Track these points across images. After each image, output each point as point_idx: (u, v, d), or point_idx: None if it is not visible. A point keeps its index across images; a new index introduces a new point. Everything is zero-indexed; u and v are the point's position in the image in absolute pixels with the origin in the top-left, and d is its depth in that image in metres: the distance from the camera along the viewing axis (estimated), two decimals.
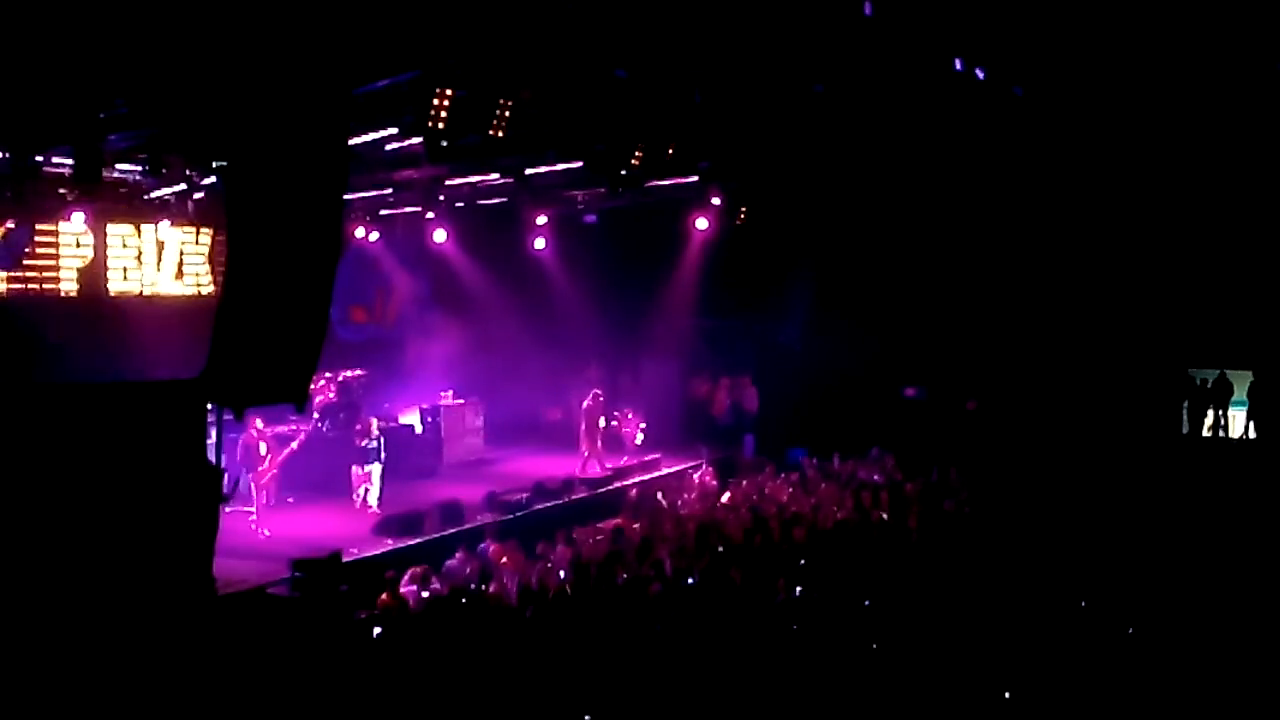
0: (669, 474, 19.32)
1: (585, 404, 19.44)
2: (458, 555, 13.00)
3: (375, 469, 16.44)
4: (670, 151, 15.14)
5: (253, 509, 15.15)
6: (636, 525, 14.83)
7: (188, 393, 11.36)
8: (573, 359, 23.03)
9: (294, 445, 16.03)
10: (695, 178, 17.75)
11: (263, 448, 15.41)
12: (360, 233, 19.67)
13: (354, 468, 16.45)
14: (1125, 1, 13.47)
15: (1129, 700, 8.38)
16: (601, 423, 19.49)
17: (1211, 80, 15.99)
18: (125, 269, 17.31)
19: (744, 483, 17.91)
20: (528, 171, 16.31)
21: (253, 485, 15.13)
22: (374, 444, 16.49)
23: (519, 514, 15.95)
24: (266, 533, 14.74)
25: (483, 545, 13.45)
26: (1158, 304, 21.65)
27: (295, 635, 10.75)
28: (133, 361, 15.96)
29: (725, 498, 16.84)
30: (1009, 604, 10.56)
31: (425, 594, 11.56)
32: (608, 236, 21.78)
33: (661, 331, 22.74)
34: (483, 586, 11.78)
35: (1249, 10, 13.81)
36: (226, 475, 14.76)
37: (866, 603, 10.65)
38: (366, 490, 16.37)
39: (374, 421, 16.90)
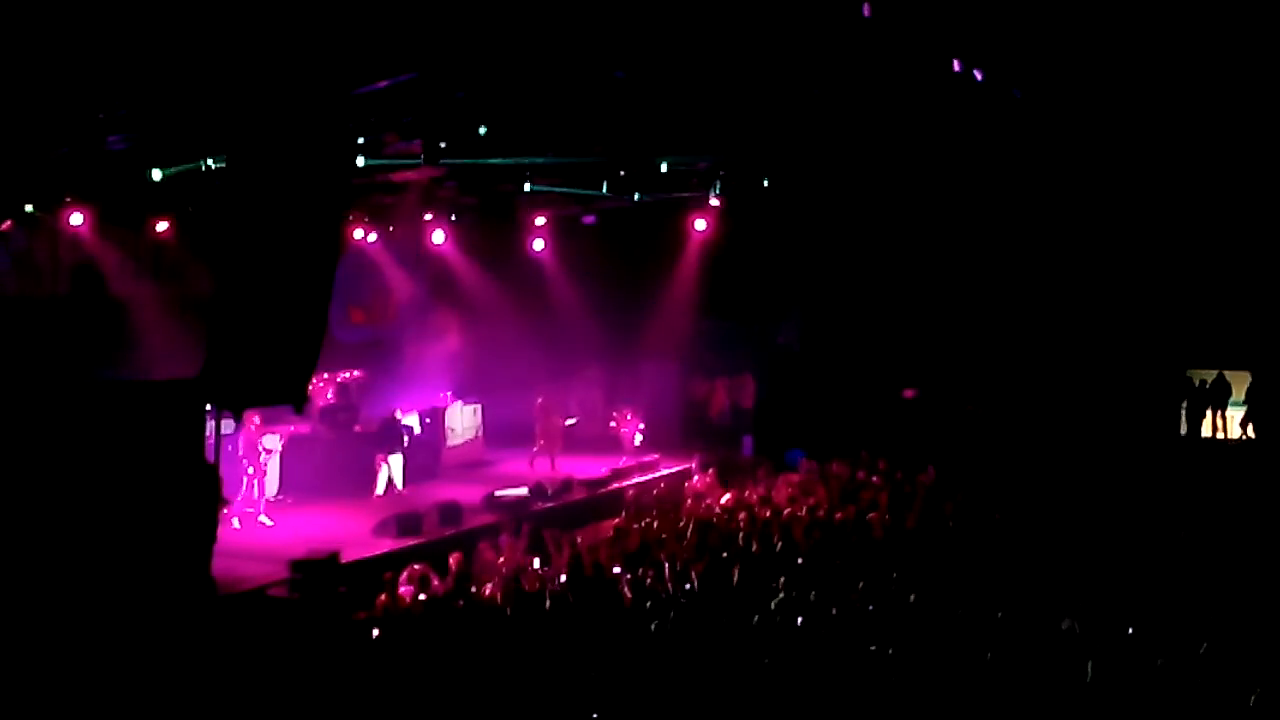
0: (668, 475, 19.33)
1: (539, 401, 19.90)
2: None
3: (397, 458, 17.32)
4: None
5: (230, 504, 15.25)
6: (635, 526, 14.83)
7: (186, 393, 11.38)
8: (572, 359, 23.03)
9: (277, 449, 16.29)
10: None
11: (259, 445, 15.60)
12: (359, 233, 19.66)
13: (379, 457, 17.20)
14: (1124, 2, 13.46)
15: (1128, 700, 8.38)
16: (569, 422, 19.97)
17: (1210, 81, 16.00)
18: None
19: (743, 483, 17.91)
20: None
21: (244, 480, 15.33)
22: (402, 435, 17.50)
23: (518, 515, 15.93)
24: (236, 524, 14.82)
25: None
26: (1156, 305, 21.68)
27: (294, 636, 10.75)
28: (132, 361, 15.96)
29: (724, 499, 16.84)
30: (1008, 605, 10.56)
31: (423, 595, 11.57)
32: (607, 237, 21.79)
33: (660, 332, 22.73)
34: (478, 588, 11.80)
35: (1248, 10, 13.82)
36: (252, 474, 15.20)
37: (865, 605, 10.63)
38: (390, 478, 17.21)
39: (396, 412, 17.77)
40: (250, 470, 15.39)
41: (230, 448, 15.05)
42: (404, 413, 18.58)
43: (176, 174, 13.97)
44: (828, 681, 8.75)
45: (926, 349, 22.96)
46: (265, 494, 15.69)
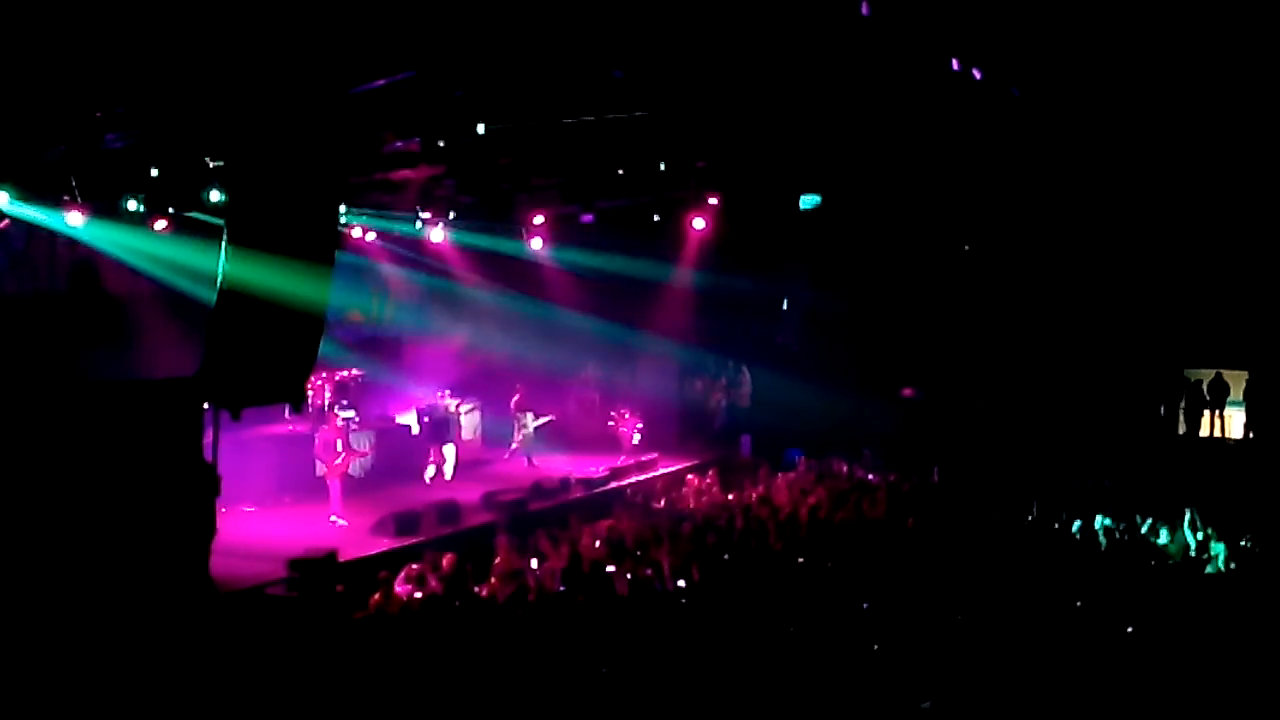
0: (666, 474, 19.32)
1: (515, 398, 20.10)
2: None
3: (449, 448, 18.08)
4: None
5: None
6: (634, 525, 14.81)
7: (184, 392, 11.37)
8: (570, 358, 23.01)
9: (367, 448, 16.92)
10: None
11: (339, 444, 15.77)
12: (357, 232, 19.64)
13: (431, 448, 18.10)
14: (1123, 1, 13.47)
15: (1127, 700, 8.38)
16: (530, 419, 20.01)
17: (1208, 81, 16.00)
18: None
19: (741, 483, 17.91)
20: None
21: (328, 480, 15.58)
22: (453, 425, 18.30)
23: (516, 514, 15.92)
24: (344, 522, 15.19)
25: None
26: (1154, 304, 21.69)
27: (292, 635, 10.74)
28: (130, 360, 15.95)
29: (722, 498, 16.83)
30: (1007, 604, 10.57)
31: (419, 594, 11.56)
32: (605, 236, 21.76)
33: (658, 331, 22.72)
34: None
35: (1247, 10, 13.82)
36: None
37: (865, 604, 10.63)
38: (439, 467, 18.09)
39: (447, 404, 18.37)
40: (325, 468, 15.66)
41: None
42: (449, 399, 19.35)
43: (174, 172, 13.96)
44: (827, 681, 8.74)
45: (925, 348, 22.98)
46: (340, 493, 15.75)
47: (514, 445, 19.95)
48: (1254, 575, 11.96)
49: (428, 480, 17.87)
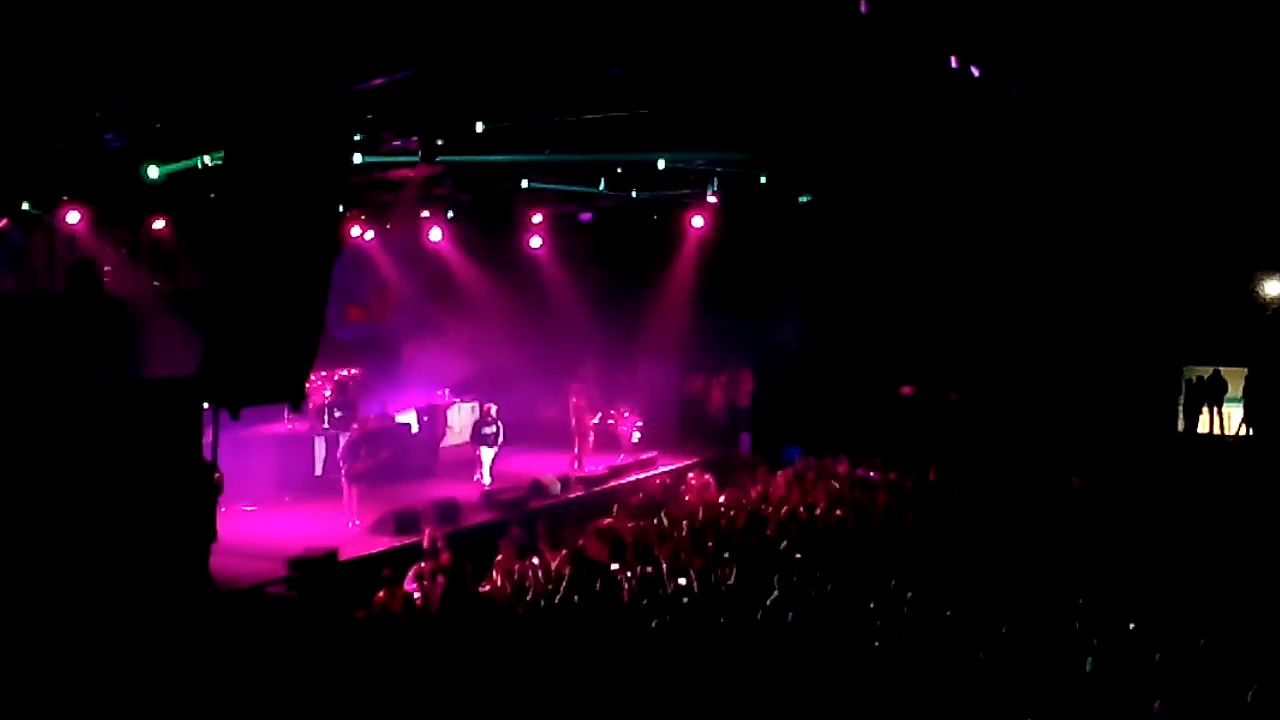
0: (665, 472, 19.33)
1: (572, 400, 19.81)
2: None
3: (489, 451, 18.13)
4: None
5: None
6: (633, 524, 14.82)
7: (183, 391, 11.37)
8: (569, 357, 23.01)
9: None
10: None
11: (363, 448, 15.73)
12: (356, 231, 19.63)
13: (477, 450, 18.30)
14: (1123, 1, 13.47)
15: (1128, 696, 8.39)
16: (597, 419, 19.61)
17: (1207, 79, 16.00)
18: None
19: (740, 481, 17.91)
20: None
21: (345, 481, 15.46)
22: (492, 428, 18.19)
23: (514, 513, 15.92)
24: (356, 523, 15.10)
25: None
26: (1152, 301, 21.70)
27: (292, 634, 10.75)
28: (129, 359, 15.95)
29: (721, 496, 16.83)
30: (1007, 602, 10.58)
31: (417, 595, 11.57)
32: (604, 234, 21.76)
33: (658, 329, 22.72)
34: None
35: (1246, 8, 13.82)
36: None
37: (871, 604, 10.64)
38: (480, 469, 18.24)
39: (492, 408, 18.39)
40: (348, 468, 15.53)
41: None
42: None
43: (173, 172, 13.94)
44: (827, 680, 8.75)
45: (925, 346, 22.98)
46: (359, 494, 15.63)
47: (576, 450, 19.66)
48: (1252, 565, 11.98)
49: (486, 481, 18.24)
